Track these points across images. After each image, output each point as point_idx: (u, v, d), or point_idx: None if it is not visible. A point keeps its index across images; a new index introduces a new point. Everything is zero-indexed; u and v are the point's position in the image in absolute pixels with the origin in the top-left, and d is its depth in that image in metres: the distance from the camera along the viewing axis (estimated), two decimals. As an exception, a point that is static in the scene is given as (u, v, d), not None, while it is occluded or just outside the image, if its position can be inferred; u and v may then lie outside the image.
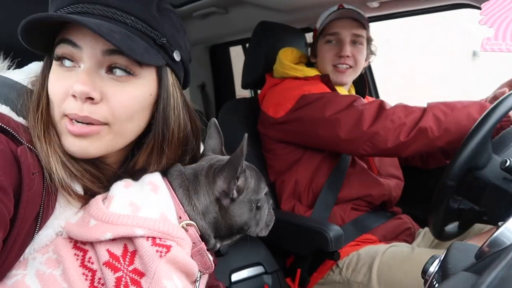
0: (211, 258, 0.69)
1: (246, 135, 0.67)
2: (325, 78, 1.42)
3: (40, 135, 0.61)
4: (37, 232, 0.61)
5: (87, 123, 0.62)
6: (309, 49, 1.53)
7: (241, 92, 2.36)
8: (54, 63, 0.63)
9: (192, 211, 0.69)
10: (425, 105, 1.24)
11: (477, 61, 6.65)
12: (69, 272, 0.61)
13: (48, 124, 0.63)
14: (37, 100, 0.63)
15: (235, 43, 2.30)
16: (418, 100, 1.45)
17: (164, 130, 0.70)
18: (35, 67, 0.70)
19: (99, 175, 0.67)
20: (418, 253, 1.20)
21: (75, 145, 0.63)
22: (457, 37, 6.14)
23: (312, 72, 1.46)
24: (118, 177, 0.69)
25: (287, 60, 1.49)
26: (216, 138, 0.82)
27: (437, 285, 0.49)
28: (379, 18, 1.66)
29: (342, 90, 1.47)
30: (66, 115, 0.62)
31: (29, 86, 0.67)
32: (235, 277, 1.26)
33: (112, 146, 0.67)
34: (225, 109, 1.63)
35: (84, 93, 0.60)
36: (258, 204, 0.74)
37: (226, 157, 0.76)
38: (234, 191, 0.70)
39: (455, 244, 0.54)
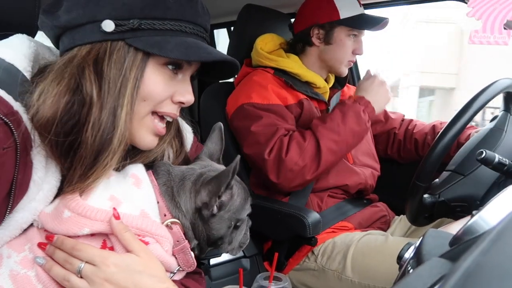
0: (193, 256, 0.70)
1: (238, 157, 0.66)
2: (287, 84, 1.41)
3: (130, 126, 0.66)
4: (9, 212, 0.59)
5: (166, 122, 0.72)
6: (313, 30, 1.44)
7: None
8: (162, 65, 0.66)
9: (175, 209, 0.68)
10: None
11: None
12: (43, 273, 0.60)
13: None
14: (134, 98, 0.64)
15: (220, 25, 2.26)
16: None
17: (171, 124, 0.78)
18: (16, 40, 0.68)
19: None
20: (392, 242, 1.23)
21: (153, 142, 0.72)
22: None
23: (287, 63, 1.43)
24: None
25: (266, 48, 1.47)
26: (217, 144, 0.80)
27: (411, 270, 0.50)
28: (365, 6, 1.65)
29: (319, 79, 1.46)
30: (156, 111, 0.69)
31: (21, 69, 0.64)
32: (214, 260, 1.27)
33: None
34: (207, 93, 1.60)
35: (191, 102, 0.71)
36: (238, 224, 0.73)
37: (220, 167, 0.75)
38: (215, 207, 0.69)
39: (430, 232, 0.55)
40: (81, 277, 0.59)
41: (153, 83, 0.66)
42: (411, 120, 1.63)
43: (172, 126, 0.78)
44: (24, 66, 0.65)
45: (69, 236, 0.61)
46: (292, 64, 1.44)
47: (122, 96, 0.63)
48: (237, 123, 1.36)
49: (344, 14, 1.40)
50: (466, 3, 0.66)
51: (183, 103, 0.71)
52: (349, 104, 1.32)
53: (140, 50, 0.63)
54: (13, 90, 0.60)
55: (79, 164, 0.62)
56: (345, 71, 1.48)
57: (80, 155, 0.61)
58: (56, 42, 0.69)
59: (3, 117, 0.57)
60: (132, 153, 0.73)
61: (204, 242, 0.72)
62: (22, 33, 0.70)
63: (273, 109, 1.33)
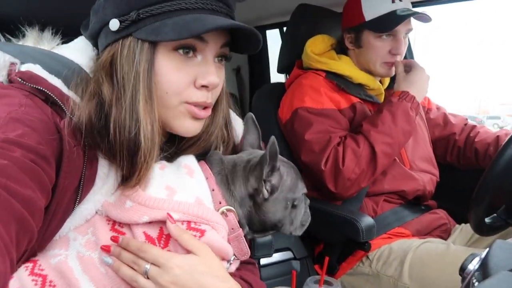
0: (247, 244, 0.70)
1: (272, 138, 0.65)
2: (340, 87, 1.37)
3: (158, 127, 0.65)
4: (77, 205, 0.63)
5: (205, 107, 0.69)
6: (345, 34, 1.43)
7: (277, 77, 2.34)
8: (172, 51, 0.64)
9: (230, 197, 0.70)
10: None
11: None
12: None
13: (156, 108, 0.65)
14: (150, 91, 0.63)
15: (272, 26, 2.27)
16: None
17: (219, 113, 0.75)
18: (82, 42, 0.72)
19: None
20: (454, 250, 1.15)
21: (194, 126, 0.70)
22: None
23: (338, 65, 1.39)
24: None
25: (316, 50, 1.45)
26: (254, 132, 0.81)
27: (476, 283, 0.47)
28: (425, 2, 1.58)
29: (372, 81, 1.41)
30: (188, 102, 0.66)
31: (88, 71, 0.68)
32: (264, 261, 1.27)
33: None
34: (259, 94, 1.61)
35: (217, 85, 0.68)
36: (295, 203, 0.73)
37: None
38: (264, 191, 0.69)
39: (498, 243, 0.51)
40: (147, 277, 0.61)
41: (166, 72, 0.64)
42: (474, 126, 1.51)
43: (219, 116, 0.76)
44: (90, 67, 0.69)
45: (129, 224, 0.64)
46: (343, 66, 1.40)
47: (137, 91, 0.62)
48: (292, 129, 1.35)
49: (369, 15, 1.32)
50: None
51: (206, 86, 0.66)
52: (396, 102, 1.27)
53: (145, 41, 0.62)
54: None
55: (120, 164, 0.63)
56: (385, 72, 1.39)
57: (116, 155, 0.63)
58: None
59: (73, 118, 0.61)
60: (183, 146, 0.74)
61: (259, 228, 0.73)
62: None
63: (327, 113, 1.30)
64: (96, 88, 0.64)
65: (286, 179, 0.72)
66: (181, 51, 0.64)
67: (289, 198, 0.72)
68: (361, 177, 1.23)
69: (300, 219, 0.76)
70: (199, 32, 0.60)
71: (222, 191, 0.69)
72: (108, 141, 0.62)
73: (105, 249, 0.62)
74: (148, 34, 0.62)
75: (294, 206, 0.74)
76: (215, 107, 0.74)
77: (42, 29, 0.73)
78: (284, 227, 0.74)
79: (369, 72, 1.41)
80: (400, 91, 1.30)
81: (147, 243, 0.62)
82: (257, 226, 0.72)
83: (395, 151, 1.27)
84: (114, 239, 0.63)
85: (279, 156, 0.74)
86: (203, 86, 0.66)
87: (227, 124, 0.79)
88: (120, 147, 0.62)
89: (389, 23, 1.30)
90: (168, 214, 0.62)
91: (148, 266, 0.60)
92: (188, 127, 0.69)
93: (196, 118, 0.68)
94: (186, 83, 0.65)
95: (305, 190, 0.76)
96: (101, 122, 0.63)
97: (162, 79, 0.64)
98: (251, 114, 0.81)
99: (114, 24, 0.63)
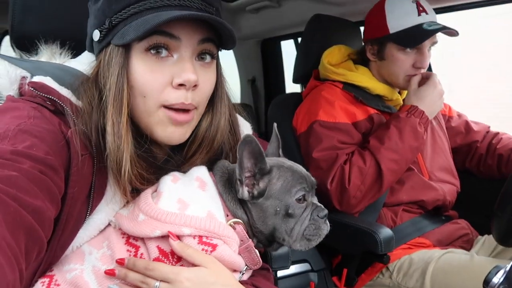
0: (258, 254, 0.69)
1: (250, 136, 0.64)
2: (357, 99, 1.34)
3: (123, 132, 0.62)
4: (89, 214, 0.64)
5: (186, 110, 0.66)
6: (367, 46, 1.40)
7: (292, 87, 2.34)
8: (144, 53, 0.64)
9: (233, 206, 0.69)
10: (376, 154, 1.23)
11: None
12: None
13: (128, 118, 0.64)
14: (120, 94, 0.63)
15: (287, 37, 2.28)
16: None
17: (219, 116, 0.73)
18: (88, 55, 0.74)
19: (149, 177, 0.68)
20: (478, 261, 1.12)
21: (176, 133, 0.67)
22: None
23: (356, 76, 1.37)
24: (165, 171, 0.71)
25: (333, 60, 1.43)
26: (275, 141, 0.80)
27: (502, 298, 0.45)
28: (442, 10, 1.56)
29: (390, 92, 1.39)
30: (165, 105, 0.65)
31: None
32: (281, 272, 1.26)
33: (191, 131, 0.71)
34: (274, 104, 1.62)
35: (194, 82, 0.64)
36: (289, 211, 0.67)
37: (277, 159, 0.75)
38: (243, 190, 0.67)
39: (524, 255, 0.49)
40: None
41: (140, 75, 0.64)
42: (496, 133, 1.47)
43: (219, 120, 0.74)
44: None
45: (142, 238, 0.63)
46: (361, 77, 1.38)
47: (108, 95, 0.63)
48: (303, 142, 1.36)
49: (394, 27, 1.28)
50: None
51: (183, 85, 0.64)
52: (404, 118, 1.25)
53: (119, 46, 0.63)
54: None
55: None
56: (407, 85, 1.34)
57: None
58: None
59: (83, 128, 0.62)
60: (187, 153, 0.73)
61: (261, 238, 0.70)
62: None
63: (339, 127, 1.29)
64: (88, 97, 0.65)
65: (276, 182, 0.68)
66: (152, 51, 0.63)
67: (278, 204, 0.67)
68: (367, 194, 1.23)
69: (301, 231, 0.69)
70: (152, 26, 0.59)
71: (225, 202, 0.68)
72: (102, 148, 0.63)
73: (110, 272, 0.61)
74: (119, 38, 0.63)
75: (289, 215, 0.68)
76: (213, 110, 0.73)
77: (57, 45, 0.76)
78: (283, 238, 0.69)
79: (390, 84, 1.38)
80: (409, 105, 1.28)
81: (154, 261, 0.62)
82: (258, 236, 0.70)
83: (402, 167, 1.25)
84: (120, 262, 0.62)
85: (280, 159, 0.73)
86: (180, 85, 0.64)
87: (233, 128, 0.77)
88: (106, 155, 0.62)
89: (416, 37, 1.26)
90: (170, 232, 0.62)
91: (157, 283, 0.60)
92: (170, 133, 0.67)
93: (177, 124, 0.67)
94: (162, 84, 0.64)
95: (299, 195, 0.68)
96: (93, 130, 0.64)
97: (137, 82, 0.64)
98: (274, 124, 0.80)
99: (96, 35, 0.66)
